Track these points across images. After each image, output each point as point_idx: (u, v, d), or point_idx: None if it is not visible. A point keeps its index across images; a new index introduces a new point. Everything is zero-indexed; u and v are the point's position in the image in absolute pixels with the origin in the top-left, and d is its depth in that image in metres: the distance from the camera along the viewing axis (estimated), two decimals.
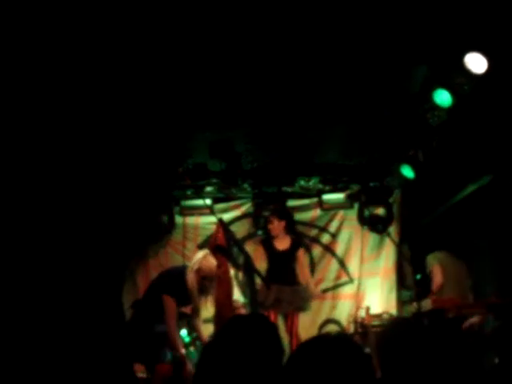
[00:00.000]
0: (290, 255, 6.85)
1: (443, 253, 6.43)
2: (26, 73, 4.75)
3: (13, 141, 4.82)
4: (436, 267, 6.19)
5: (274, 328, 2.21)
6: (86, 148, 5.19)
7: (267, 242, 6.97)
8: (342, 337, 2.13)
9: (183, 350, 4.79)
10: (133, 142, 6.02)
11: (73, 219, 5.23)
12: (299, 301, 6.64)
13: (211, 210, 5.06)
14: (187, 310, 4.99)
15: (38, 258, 5.07)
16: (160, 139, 6.76)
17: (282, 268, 6.78)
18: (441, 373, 2.35)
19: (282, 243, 6.89)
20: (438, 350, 2.34)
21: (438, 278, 6.02)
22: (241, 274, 4.67)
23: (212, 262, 4.75)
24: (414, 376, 2.33)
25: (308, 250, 7.63)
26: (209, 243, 4.58)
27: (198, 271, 4.69)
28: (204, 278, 4.69)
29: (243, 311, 4.92)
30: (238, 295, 5.68)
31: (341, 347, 1.93)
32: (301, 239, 7.28)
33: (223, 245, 4.21)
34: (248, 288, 4.26)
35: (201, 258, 4.79)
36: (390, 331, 2.58)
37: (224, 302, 4.19)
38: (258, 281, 5.62)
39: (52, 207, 5.12)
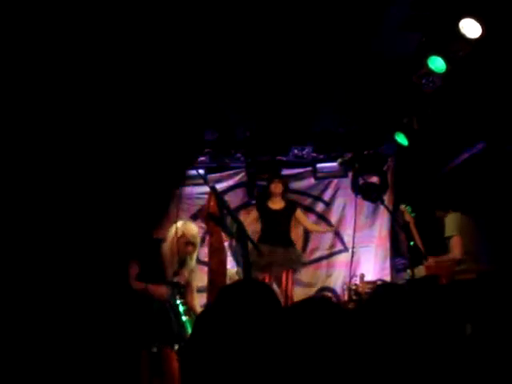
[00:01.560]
0: (283, 215, 6.92)
1: (463, 217, 5.96)
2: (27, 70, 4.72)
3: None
4: (456, 239, 5.69)
5: (269, 291, 2.19)
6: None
7: (262, 203, 7.03)
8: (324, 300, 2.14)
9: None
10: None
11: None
12: (290, 262, 6.69)
13: (204, 180, 5.00)
14: (181, 279, 5.00)
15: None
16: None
17: (275, 228, 6.86)
18: (424, 339, 2.35)
19: (277, 203, 6.95)
20: (423, 316, 2.33)
21: (456, 251, 5.61)
22: (234, 242, 4.63)
23: (193, 227, 4.76)
24: (397, 341, 2.33)
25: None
26: (201, 212, 4.54)
27: (182, 237, 4.67)
28: (187, 243, 4.68)
29: (237, 278, 4.91)
30: (232, 263, 5.70)
31: (324, 309, 1.94)
32: (296, 204, 7.28)
33: (216, 213, 4.18)
34: (241, 256, 4.23)
35: (182, 224, 4.78)
36: (375, 297, 2.58)
37: (218, 271, 4.19)
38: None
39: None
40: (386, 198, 7.63)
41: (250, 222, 7.07)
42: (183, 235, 4.69)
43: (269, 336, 2.03)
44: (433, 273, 5.37)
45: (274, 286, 6.47)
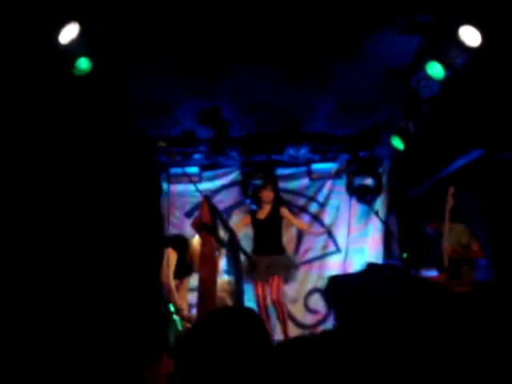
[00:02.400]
0: (271, 223, 6.88)
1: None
2: None
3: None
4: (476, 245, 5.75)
5: (257, 321, 2.16)
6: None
7: (251, 213, 7.05)
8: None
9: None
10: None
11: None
12: (280, 269, 6.66)
13: (197, 189, 4.97)
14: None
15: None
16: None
17: (263, 237, 6.84)
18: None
19: (264, 213, 6.94)
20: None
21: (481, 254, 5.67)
22: (226, 252, 4.60)
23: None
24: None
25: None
26: (194, 221, 4.49)
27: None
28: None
29: (227, 288, 4.88)
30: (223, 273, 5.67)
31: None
32: (280, 202, 7.19)
33: (209, 222, 4.14)
34: (233, 265, 4.22)
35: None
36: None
37: (208, 281, 4.14)
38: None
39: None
40: (381, 200, 7.62)
41: (243, 227, 7.05)
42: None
43: (254, 369, 2.01)
44: None
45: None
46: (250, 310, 2.21)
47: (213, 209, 4.20)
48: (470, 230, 5.63)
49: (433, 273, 5.93)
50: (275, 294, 6.53)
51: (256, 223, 6.93)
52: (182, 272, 5.00)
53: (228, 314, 2.18)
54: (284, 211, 6.99)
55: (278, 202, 7.10)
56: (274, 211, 6.92)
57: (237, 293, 4.34)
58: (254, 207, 7.20)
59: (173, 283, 4.75)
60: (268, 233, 6.84)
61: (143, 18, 5.22)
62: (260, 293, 6.59)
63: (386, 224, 7.13)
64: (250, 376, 1.98)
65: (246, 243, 6.74)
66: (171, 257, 4.73)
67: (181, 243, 4.79)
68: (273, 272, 6.56)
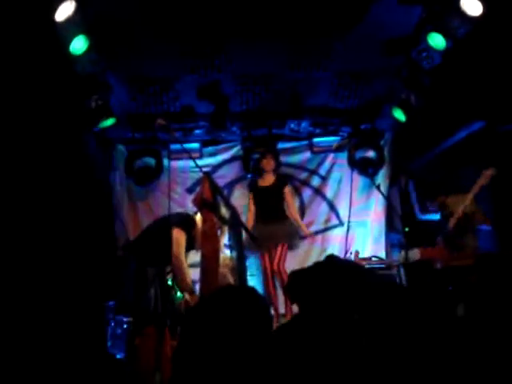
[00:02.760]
0: (273, 191, 6.86)
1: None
2: None
3: None
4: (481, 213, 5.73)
5: (258, 299, 2.17)
6: None
7: (252, 182, 7.06)
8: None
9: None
10: None
11: None
12: (285, 236, 6.67)
13: (197, 165, 4.92)
14: None
15: None
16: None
17: (267, 205, 6.81)
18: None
19: (266, 180, 6.92)
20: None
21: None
22: (228, 228, 4.57)
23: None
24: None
25: (297, 192, 7.62)
26: (195, 198, 4.47)
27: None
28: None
29: (229, 263, 4.89)
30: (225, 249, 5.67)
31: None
32: (286, 179, 7.21)
33: (209, 199, 4.13)
34: (235, 242, 4.21)
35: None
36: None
37: (211, 257, 4.14)
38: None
39: None
40: (383, 172, 7.59)
41: (244, 200, 7.07)
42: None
43: (255, 347, 2.02)
44: (427, 257, 5.35)
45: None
46: (253, 290, 2.22)
47: (213, 185, 4.19)
48: (474, 200, 5.59)
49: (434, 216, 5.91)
50: (277, 263, 6.53)
51: (258, 191, 6.91)
52: (187, 249, 4.99)
53: (231, 293, 2.19)
54: (286, 193, 6.94)
55: (283, 177, 7.12)
56: (279, 181, 6.93)
57: (239, 269, 4.34)
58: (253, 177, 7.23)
59: (185, 263, 4.69)
60: (271, 200, 6.82)
61: None
62: (268, 264, 6.61)
63: (387, 198, 7.10)
64: (249, 357, 2.00)
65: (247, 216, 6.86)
66: (180, 237, 4.63)
67: (186, 221, 4.74)
68: (277, 240, 6.57)
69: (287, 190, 6.97)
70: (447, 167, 6.66)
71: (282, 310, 6.54)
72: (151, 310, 4.58)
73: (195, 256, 4.96)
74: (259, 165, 6.98)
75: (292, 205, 7.02)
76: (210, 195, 4.14)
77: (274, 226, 6.64)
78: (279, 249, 6.57)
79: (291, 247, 6.79)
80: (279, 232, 6.64)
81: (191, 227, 4.67)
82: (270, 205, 6.82)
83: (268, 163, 6.89)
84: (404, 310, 2.38)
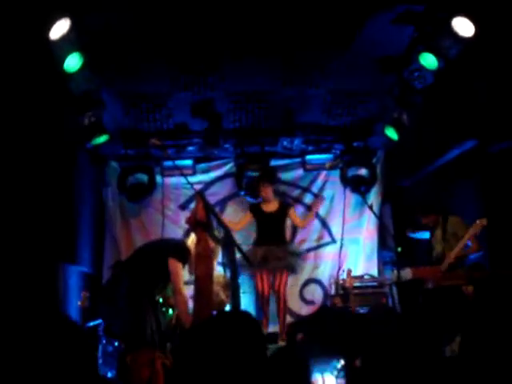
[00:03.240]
0: (277, 217, 6.91)
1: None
2: None
3: None
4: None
5: (253, 324, 2.17)
6: None
7: (255, 206, 7.02)
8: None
9: None
10: None
11: None
12: (287, 258, 6.70)
13: (190, 184, 4.95)
14: None
15: None
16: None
17: (270, 229, 6.86)
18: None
19: (270, 206, 6.94)
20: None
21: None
22: (221, 248, 4.58)
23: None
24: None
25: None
26: (189, 219, 4.46)
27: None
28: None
29: (222, 281, 4.88)
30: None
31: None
32: (289, 204, 7.26)
33: (203, 219, 4.12)
34: (229, 261, 4.19)
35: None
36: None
37: (205, 278, 4.13)
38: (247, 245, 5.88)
39: None
40: (375, 190, 7.62)
41: (238, 218, 7.08)
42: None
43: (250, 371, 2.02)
44: (419, 276, 5.35)
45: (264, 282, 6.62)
46: (247, 314, 2.21)
47: (207, 205, 4.18)
48: (464, 222, 5.62)
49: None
50: (278, 285, 6.63)
51: (263, 216, 6.92)
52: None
53: (226, 318, 2.19)
54: (291, 214, 7.03)
55: (287, 204, 7.19)
56: (282, 207, 6.98)
57: (233, 287, 4.32)
58: (248, 199, 7.22)
59: (186, 296, 4.71)
60: (275, 225, 6.89)
61: (133, 8, 5.18)
62: (261, 285, 6.66)
63: (379, 216, 7.13)
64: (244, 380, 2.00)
65: (243, 235, 6.95)
66: (179, 269, 4.67)
67: (182, 251, 4.77)
68: (278, 265, 6.63)
69: (292, 212, 7.06)
70: (439, 185, 6.68)
71: (276, 329, 6.57)
72: (143, 329, 4.56)
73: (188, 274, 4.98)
74: (259, 193, 6.98)
75: (298, 220, 7.17)
76: (204, 215, 4.13)
77: (275, 250, 6.68)
78: (279, 276, 6.65)
79: (291, 268, 6.82)
80: (281, 257, 6.66)
81: (187, 256, 4.69)
82: (273, 230, 6.88)
83: (266, 192, 6.89)
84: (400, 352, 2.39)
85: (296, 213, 7.18)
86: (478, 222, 5.30)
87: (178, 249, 4.77)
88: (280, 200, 7.11)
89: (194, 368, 2.03)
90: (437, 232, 5.72)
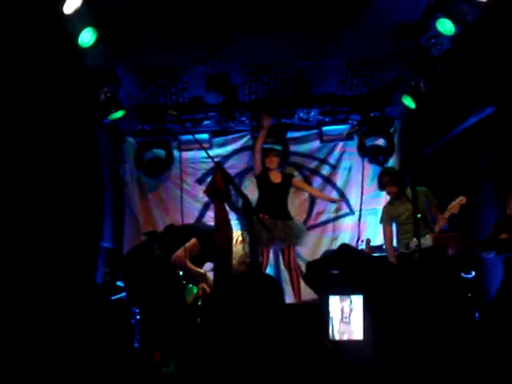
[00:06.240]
0: (281, 189, 6.77)
1: None
2: None
3: None
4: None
5: (274, 286, 2.19)
6: None
7: (263, 175, 6.87)
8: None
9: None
10: None
11: None
12: (292, 237, 6.61)
13: (209, 155, 5.00)
14: None
15: None
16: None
17: (274, 201, 6.71)
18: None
19: (276, 177, 6.84)
20: None
21: None
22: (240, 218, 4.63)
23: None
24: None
25: (307, 182, 7.59)
26: (207, 189, 4.50)
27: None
28: None
29: (242, 245, 4.94)
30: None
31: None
32: (291, 175, 7.13)
33: (221, 189, 4.15)
34: (247, 232, 4.23)
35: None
36: None
37: (224, 246, 4.17)
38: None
39: None
40: (393, 160, 7.57)
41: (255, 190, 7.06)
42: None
43: (269, 331, 2.04)
44: (440, 243, 5.32)
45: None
46: (270, 277, 2.24)
47: (225, 175, 4.21)
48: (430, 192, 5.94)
49: None
50: (287, 261, 6.51)
51: (267, 186, 6.77)
52: (202, 261, 5.23)
53: (248, 278, 2.22)
54: (296, 182, 6.96)
55: (288, 174, 7.06)
56: (285, 179, 6.84)
57: (252, 255, 4.37)
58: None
59: (187, 262, 4.93)
60: (278, 198, 6.73)
61: None
62: (266, 260, 6.58)
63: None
64: (265, 336, 2.03)
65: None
66: (193, 246, 4.97)
67: (206, 237, 4.93)
68: (284, 240, 6.50)
69: (295, 181, 6.96)
70: (458, 154, 6.62)
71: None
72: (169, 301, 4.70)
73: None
74: (264, 164, 6.88)
75: (308, 187, 7.14)
76: (222, 185, 4.16)
77: (280, 224, 6.50)
78: (287, 250, 6.54)
79: (297, 244, 6.74)
80: (287, 232, 6.52)
81: (208, 243, 4.81)
82: (277, 201, 6.71)
83: (271, 161, 6.77)
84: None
85: (301, 181, 7.16)
86: (460, 198, 5.51)
87: (203, 233, 4.99)
88: (283, 173, 6.97)
89: (218, 326, 2.07)
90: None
